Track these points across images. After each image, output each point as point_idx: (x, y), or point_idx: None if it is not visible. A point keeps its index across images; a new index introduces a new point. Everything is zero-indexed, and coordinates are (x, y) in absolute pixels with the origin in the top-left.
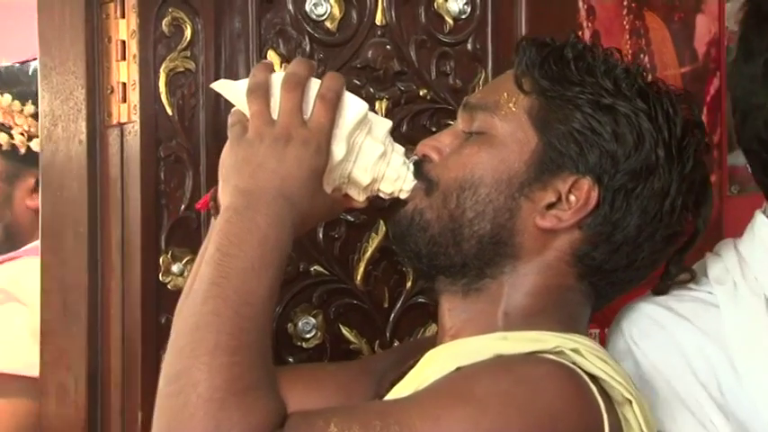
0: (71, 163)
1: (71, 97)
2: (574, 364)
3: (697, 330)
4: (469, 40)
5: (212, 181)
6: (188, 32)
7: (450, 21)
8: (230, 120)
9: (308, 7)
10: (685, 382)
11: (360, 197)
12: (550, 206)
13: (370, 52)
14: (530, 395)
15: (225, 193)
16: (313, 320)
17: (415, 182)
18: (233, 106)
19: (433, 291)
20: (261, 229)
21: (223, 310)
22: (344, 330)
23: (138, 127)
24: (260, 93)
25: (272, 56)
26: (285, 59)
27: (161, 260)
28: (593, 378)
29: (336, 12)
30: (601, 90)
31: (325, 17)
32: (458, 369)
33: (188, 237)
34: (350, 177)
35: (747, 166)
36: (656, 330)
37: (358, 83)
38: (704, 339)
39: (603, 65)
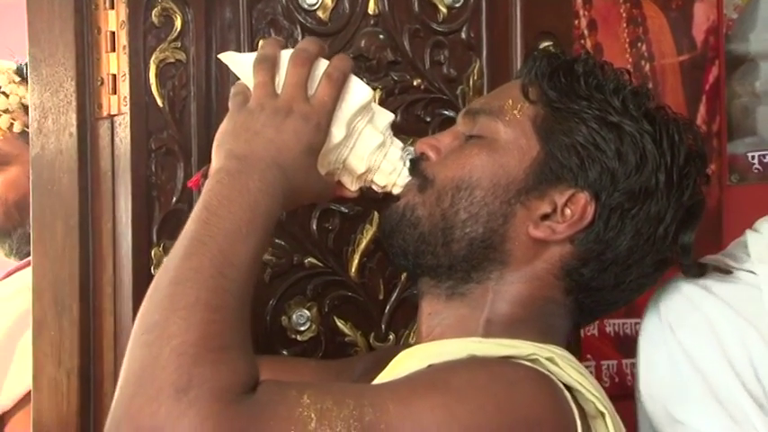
0: (62, 156)
1: (61, 89)
2: (549, 372)
3: (737, 316)
4: (463, 29)
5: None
6: (178, 23)
7: (443, 9)
8: (233, 90)
9: None
10: (720, 373)
11: (353, 186)
12: (545, 217)
13: (363, 42)
14: (508, 394)
15: (218, 157)
16: (307, 313)
17: (410, 178)
18: (225, 97)
19: (415, 293)
20: (252, 194)
21: (207, 267)
22: (339, 323)
23: (128, 119)
24: (267, 65)
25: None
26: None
27: (153, 253)
28: (568, 388)
29: (328, 1)
30: (608, 107)
31: (317, 6)
32: (429, 366)
33: (180, 229)
34: (345, 163)
35: (747, 155)
36: (693, 315)
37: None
38: (744, 325)
39: (613, 83)
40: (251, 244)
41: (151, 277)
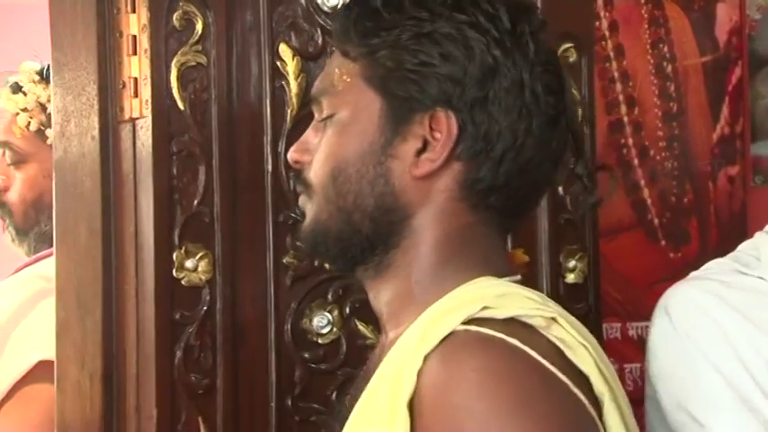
0: (84, 159)
1: (83, 93)
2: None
3: (748, 323)
4: None
5: (225, 175)
6: (199, 26)
7: None
8: None
9: (320, 0)
10: (737, 374)
11: None
12: (420, 152)
13: None
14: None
15: None
16: (329, 316)
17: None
18: (246, 100)
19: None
20: None
21: None
22: (360, 326)
23: (149, 122)
24: None
25: (284, 49)
26: (297, 52)
27: (174, 256)
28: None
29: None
30: (416, 21)
31: (337, 9)
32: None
33: (201, 232)
34: None
35: None
36: (707, 322)
37: None
38: (756, 333)
39: None
40: None
41: (173, 279)
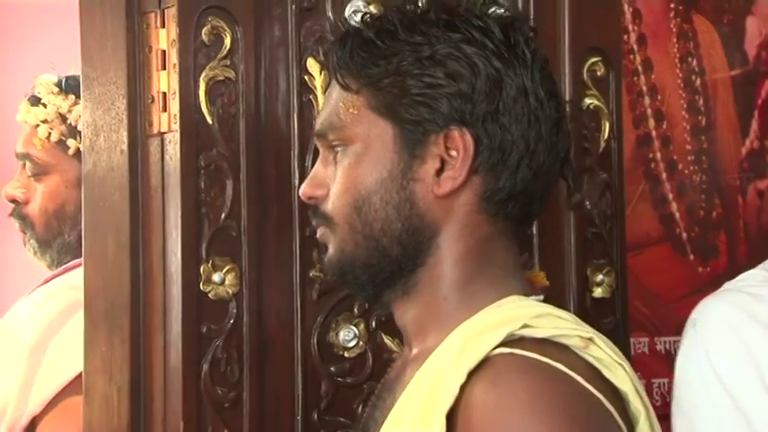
0: (113, 173)
1: (112, 107)
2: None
3: None
4: None
5: (252, 189)
6: (227, 41)
7: None
8: None
9: (347, 14)
10: (754, 399)
11: None
12: (439, 172)
13: None
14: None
15: None
16: (355, 329)
17: (320, 227)
18: (273, 115)
19: (386, 309)
20: None
21: None
22: (386, 339)
23: (178, 136)
24: None
25: (311, 63)
26: (325, 67)
27: (202, 269)
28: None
29: None
30: (413, 47)
31: None
32: None
33: (229, 246)
34: None
35: None
36: (731, 340)
37: None
38: None
39: (401, 24)
40: None
41: (200, 293)
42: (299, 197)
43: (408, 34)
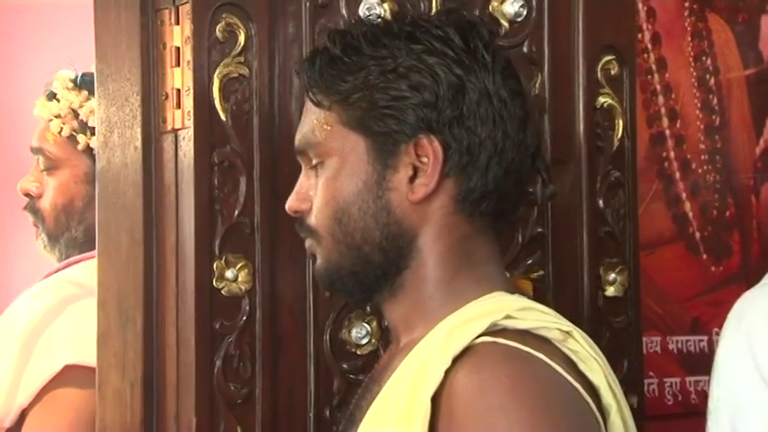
0: (126, 169)
1: (126, 104)
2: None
3: None
4: (525, 44)
5: (266, 186)
6: (242, 38)
7: (505, 24)
8: None
9: (361, 11)
10: None
11: None
12: (412, 179)
13: None
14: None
15: None
16: (367, 327)
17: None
18: (287, 111)
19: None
20: None
21: None
22: None
23: (192, 133)
24: None
25: None
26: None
27: (215, 266)
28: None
29: (390, 16)
30: (378, 61)
31: (379, 20)
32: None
33: (242, 242)
34: None
35: None
36: None
37: None
38: None
39: (365, 39)
40: None
41: (213, 289)
42: None
43: (372, 48)
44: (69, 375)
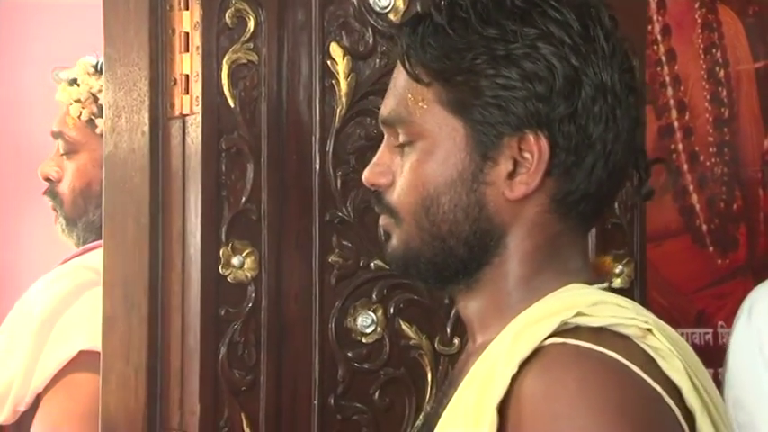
0: (134, 154)
1: (134, 89)
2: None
3: None
4: None
5: (273, 173)
6: (251, 24)
7: None
8: None
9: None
10: None
11: None
12: (511, 175)
13: None
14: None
15: None
16: (373, 315)
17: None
18: (295, 99)
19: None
20: None
21: None
22: (404, 326)
23: (199, 119)
24: None
25: (334, 48)
26: (348, 52)
27: (221, 252)
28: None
29: (400, 3)
30: (487, 42)
31: (389, 9)
32: None
33: (248, 229)
34: None
35: None
36: None
37: None
38: None
39: (475, 12)
40: None
41: (219, 276)
42: (319, 182)
43: (482, 26)
44: (84, 360)
